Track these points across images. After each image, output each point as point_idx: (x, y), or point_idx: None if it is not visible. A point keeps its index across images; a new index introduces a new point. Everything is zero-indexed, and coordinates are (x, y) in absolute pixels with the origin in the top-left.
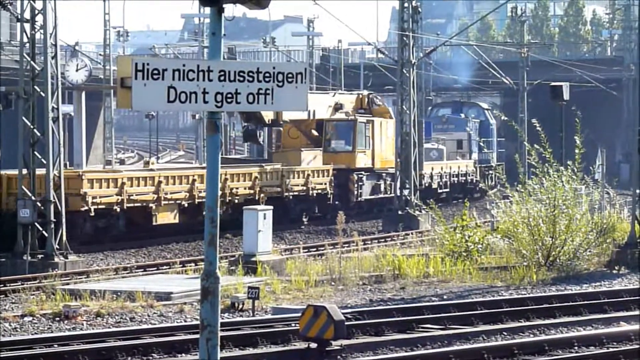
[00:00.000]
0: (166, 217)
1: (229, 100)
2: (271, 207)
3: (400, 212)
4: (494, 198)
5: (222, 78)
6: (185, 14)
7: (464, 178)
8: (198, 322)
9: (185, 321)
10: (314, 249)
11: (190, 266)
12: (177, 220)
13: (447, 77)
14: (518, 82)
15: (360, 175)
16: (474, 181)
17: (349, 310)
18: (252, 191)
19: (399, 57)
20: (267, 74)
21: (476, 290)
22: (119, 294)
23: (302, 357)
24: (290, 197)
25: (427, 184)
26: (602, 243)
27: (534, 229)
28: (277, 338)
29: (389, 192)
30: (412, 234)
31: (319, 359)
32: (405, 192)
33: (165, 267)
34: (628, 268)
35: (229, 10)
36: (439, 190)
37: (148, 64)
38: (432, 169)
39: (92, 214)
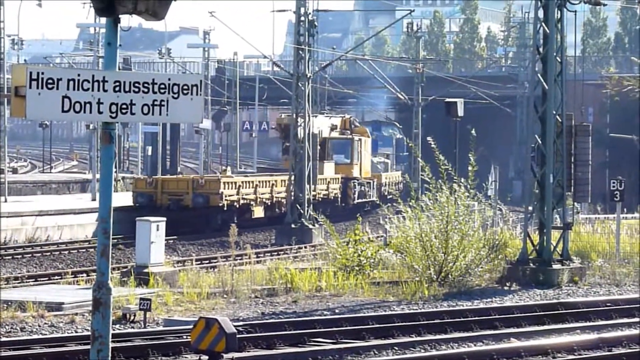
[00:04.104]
0: (258, 212)
1: (123, 111)
2: (164, 218)
3: (293, 226)
4: (387, 213)
5: (117, 89)
6: (80, 23)
7: (396, 187)
8: (89, 333)
9: (76, 332)
10: (207, 261)
11: (82, 277)
12: (263, 215)
13: (342, 91)
14: (413, 97)
15: (354, 183)
16: (400, 190)
17: (241, 323)
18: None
19: (294, 71)
20: (163, 86)
21: (368, 304)
22: (9, 303)
23: None
24: (319, 200)
25: (384, 192)
26: (494, 259)
27: (427, 244)
28: (168, 350)
29: (368, 198)
30: (305, 247)
31: None
32: (299, 205)
33: (57, 277)
34: (519, 284)
35: (125, 20)
36: (388, 197)
37: (43, 73)
38: (387, 178)
39: (225, 208)
